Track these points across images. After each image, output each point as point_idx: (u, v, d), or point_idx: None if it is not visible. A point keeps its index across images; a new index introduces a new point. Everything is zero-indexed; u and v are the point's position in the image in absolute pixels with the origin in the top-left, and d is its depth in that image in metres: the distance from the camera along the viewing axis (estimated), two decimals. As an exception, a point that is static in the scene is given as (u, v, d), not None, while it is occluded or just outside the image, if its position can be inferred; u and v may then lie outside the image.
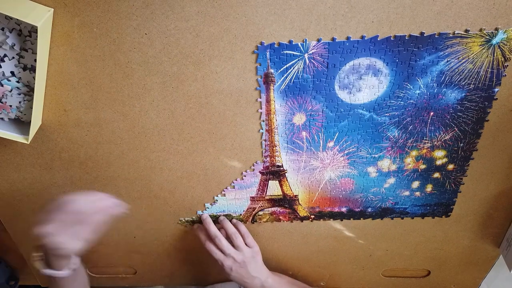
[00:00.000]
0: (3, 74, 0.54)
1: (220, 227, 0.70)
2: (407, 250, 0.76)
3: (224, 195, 0.69)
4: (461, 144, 0.61)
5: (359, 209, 0.70)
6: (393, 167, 0.64)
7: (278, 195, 0.69)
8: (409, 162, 0.64)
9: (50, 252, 0.58)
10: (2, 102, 0.57)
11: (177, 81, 0.57)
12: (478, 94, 0.56)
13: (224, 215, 0.72)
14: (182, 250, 0.79)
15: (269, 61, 0.54)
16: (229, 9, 0.51)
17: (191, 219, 0.73)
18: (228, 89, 0.57)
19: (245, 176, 0.66)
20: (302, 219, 0.72)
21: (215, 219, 0.72)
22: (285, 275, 0.81)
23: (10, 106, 0.57)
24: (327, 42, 0.53)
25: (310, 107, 0.58)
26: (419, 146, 0.62)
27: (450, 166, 0.64)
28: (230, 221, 0.71)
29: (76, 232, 0.56)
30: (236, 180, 0.67)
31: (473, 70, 0.54)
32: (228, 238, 0.69)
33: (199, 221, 0.73)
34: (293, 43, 0.53)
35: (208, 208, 0.71)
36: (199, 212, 0.71)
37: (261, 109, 0.59)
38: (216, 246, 0.67)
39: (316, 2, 0.50)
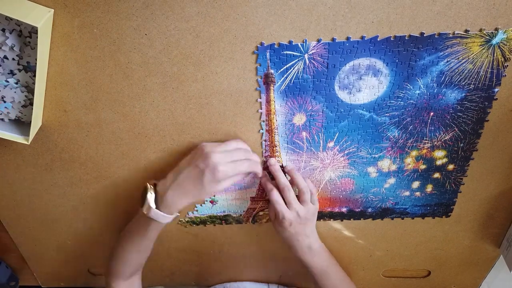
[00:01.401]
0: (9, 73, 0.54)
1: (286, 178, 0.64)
2: (407, 250, 0.76)
3: (224, 193, 0.69)
4: (461, 144, 0.61)
5: (359, 209, 0.70)
6: (393, 167, 0.64)
7: (278, 196, 0.69)
8: (409, 162, 0.64)
9: (193, 183, 0.56)
10: None
11: (177, 82, 0.57)
12: (478, 94, 0.56)
13: (224, 215, 0.72)
14: (182, 250, 0.79)
15: (269, 61, 0.54)
16: (229, 9, 0.51)
17: (190, 219, 0.73)
18: (228, 90, 0.57)
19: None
20: (302, 219, 0.72)
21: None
22: (285, 275, 0.81)
23: (3, 99, 0.56)
24: (327, 43, 0.53)
25: (310, 107, 0.58)
26: (419, 146, 0.62)
27: (450, 166, 0.64)
28: None
29: (236, 168, 0.57)
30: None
31: (473, 70, 0.54)
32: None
33: (198, 221, 0.73)
34: (293, 44, 0.53)
35: (207, 208, 0.71)
36: (190, 213, 0.71)
37: (261, 109, 0.59)
38: (284, 196, 0.62)
39: (316, 2, 0.50)
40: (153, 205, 0.58)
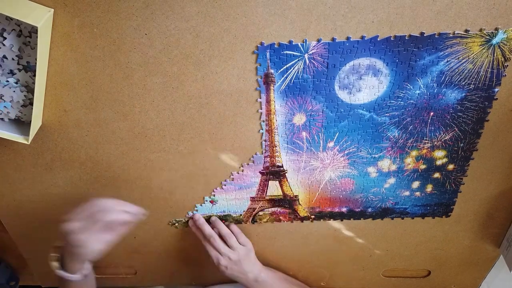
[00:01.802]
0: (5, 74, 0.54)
1: (213, 227, 0.71)
2: (407, 250, 0.76)
3: (224, 192, 0.69)
4: (461, 144, 0.61)
5: (359, 209, 0.70)
6: (393, 167, 0.64)
7: (278, 195, 0.69)
8: (409, 162, 0.64)
9: (70, 251, 0.61)
10: None
11: (177, 82, 0.57)
12: (478, 94, 0.56)
13: (224, 215, 0.72)
14: (182, 250, 0.79)
15: (269, 61, 0.54)
16: (229, 9, 0.51)
17: (182, 219, 0.73)
18: (228, 90, 0.57)
19: (242, 170, 0.66)
20: (303, 219, 0.72)
21: (207, 219, 0.72)
22: (285, 274, 0.81)
23: (2, 99, 0.56)
24: (327, 42, 0.53)
25: (310, 107, 0.58)
26: (419, 146, 0.62)
27: (450, 166, 0.64)
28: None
29: (99, 234, 0.60)
30: (236, 173, 0.67)
31: (473, 70, 0.54)
32: (222, 237, 0.70)
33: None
34: (293, 43, 0.53)
35: (209, 208, 0.71)
36: (190, 213, 0.72)
37: (261, 109, 0.59)
38: (212, 245, 0.69)
39: (316, 2, 0.50)
40: (59, 268, 0.63)
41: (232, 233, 0.70)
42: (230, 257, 0.68)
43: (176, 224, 0.74)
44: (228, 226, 0.71)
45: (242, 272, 0.70)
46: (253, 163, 0.65)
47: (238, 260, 0.69)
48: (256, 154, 0.64)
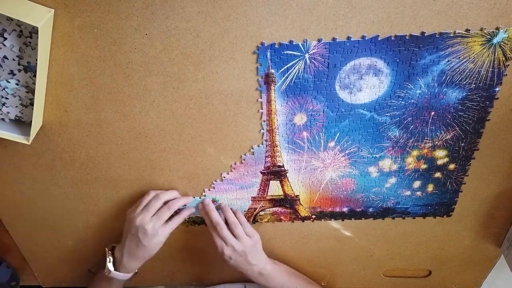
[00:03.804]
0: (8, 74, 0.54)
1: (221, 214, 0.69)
2: (408, 250, 0.76)
3: (225, 192, 0.69)
4: (462, 144, 0.61)
5: (360, 209, 0.70)
6: (394, 167, 0.64)
7: (279, 195, 0.69)
8: (410, 162, 0.64)
9: (133, 248, 0.65)
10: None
11: (178, 82, 0.57)
12: (479, 93, 0.56)
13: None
14: (182, 250, 0.79)
15: (269, 61, 0.54)
16: (229, 9, 0.51)
17: (191, 219, 0.73)
18: (228, 90, 0.57)
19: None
20: (303, 219, 0.72)
21: (217, 206, 0.71)
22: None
23: (3, 99, 0.57)
24: (328, 42, 0.53)
25: (311, 107, 0.58)
26: (420, 145, 0.62)
27: (451, 166, 0.64)
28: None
29: (166, 225, 0.65)
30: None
31: (474, 70, 0.54)
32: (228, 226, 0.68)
33: (199, 221, 0.73)
34: (294, 43, 0.53)
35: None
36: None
37: (262, 109, 0.59)
38: (218, 233, 0.66)
39: (316, 2, 0.50)
40: (112, 268, 0.68)
41: (239, 222, 0.68)
42: (235, 248, 0.65)
43: (187, 224, 0.74)
44: (235, 213, 0.69)
45: (246, 264, 0.67)
46: (254, 162, 0.65)
47: (243, 251, 0.66)
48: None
